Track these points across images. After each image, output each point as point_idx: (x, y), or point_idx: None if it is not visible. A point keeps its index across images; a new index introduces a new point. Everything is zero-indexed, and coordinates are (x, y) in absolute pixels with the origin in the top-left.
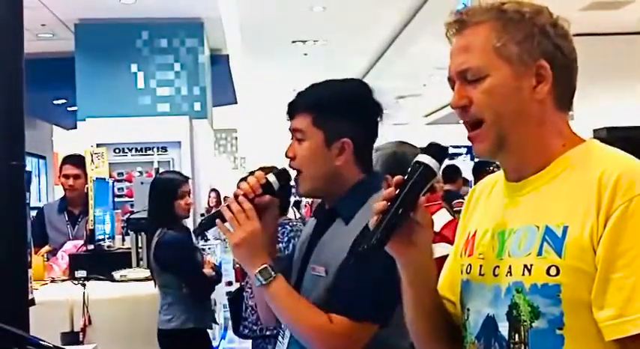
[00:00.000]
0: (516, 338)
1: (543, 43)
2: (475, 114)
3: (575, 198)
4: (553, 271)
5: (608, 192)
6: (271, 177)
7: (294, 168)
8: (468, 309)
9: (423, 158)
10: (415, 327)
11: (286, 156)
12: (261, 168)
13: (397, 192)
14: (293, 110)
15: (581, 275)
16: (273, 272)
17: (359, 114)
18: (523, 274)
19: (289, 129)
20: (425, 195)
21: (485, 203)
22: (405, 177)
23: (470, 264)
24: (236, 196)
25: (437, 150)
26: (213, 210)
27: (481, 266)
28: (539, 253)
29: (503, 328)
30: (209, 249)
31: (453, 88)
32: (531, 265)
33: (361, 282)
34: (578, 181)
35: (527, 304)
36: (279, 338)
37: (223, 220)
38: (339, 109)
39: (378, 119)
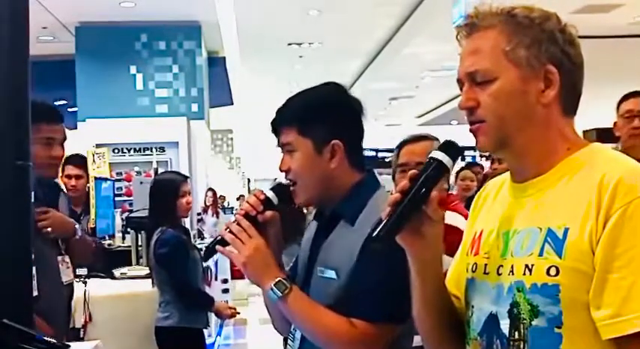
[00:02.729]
0: (516, 336)
1: (551, 48)
2: (481, 117)
3: (576, 200)
4: (553, 271)
5: (608, 195)
6: (269, 193)
7: (290, 181)
8: (472, 306)
9: (437, 154)
10: (422, 320)
11: (280, 170)
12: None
13: (410, 185)
14: (277, 127)
15: (580, 275)
16: (288, 284)
17: (341, 115)
18: (524, 274)
19: (277, 145)
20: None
21: (492, 202)
22: (419, 172)
23: (475, 263)
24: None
25: (451, 148)
26: (209, 209)
27: (486, 265)
28: (541, 254)
29: (505, 325)
30: (205, 250)
31: (461, 89)
32: (532, 265)
33: (377, 284)
34: (581, 184)
35: (527, 303)
36: (289, 341)
37: (224, 244)
38: (321, 114)
39: (362, 117)
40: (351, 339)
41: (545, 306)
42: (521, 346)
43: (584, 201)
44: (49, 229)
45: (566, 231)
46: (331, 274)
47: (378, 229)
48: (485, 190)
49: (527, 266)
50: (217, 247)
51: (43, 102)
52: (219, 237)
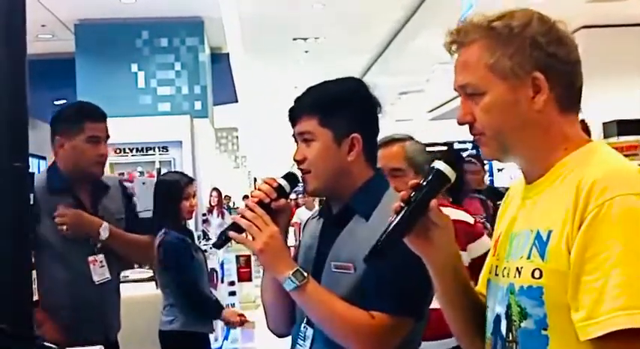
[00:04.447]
0: (510, 337)
1: (534, 54)
2: (479, 130)
3: (560, 202)
4: (537, 274)
5: (583, 197)
6: (282, 181)
7: (303, 170)
8: (488, 307)
9: (438, 164)
10: (449, 318)
11: (294, 159)
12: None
13: (411, 194)
14: (295, 115)
15: (560, 278)
16: (305, 274)
17: (362, 109)
18: (515, 276)
19: (293, 134)
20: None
21: (512, 204)
22: (420, 182)
23: (492, 265)
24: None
25: (452, 157)
26: (214, 209)
27: (496, 266)
28: (529, 256)
29: (504, 326)
30: (210, 248)
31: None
32: (521, 268)
33: (396, 278)
34: (566, 186)
35: (517, 305)
36: (299, 341)
37: (238, 231)
38: (343, 106)
39: (379, 114)
40: (368, 331)
41: (531, 308)
42: (514, 347)
43: (565, 203)
44: (64, 227)
45: (549, 233)
46: (347, 268)
47: (380, 239)
48: (510, 193)
49: (517, 268)
50: (230, 233)
51: (85, 102)
52: (233, 223)
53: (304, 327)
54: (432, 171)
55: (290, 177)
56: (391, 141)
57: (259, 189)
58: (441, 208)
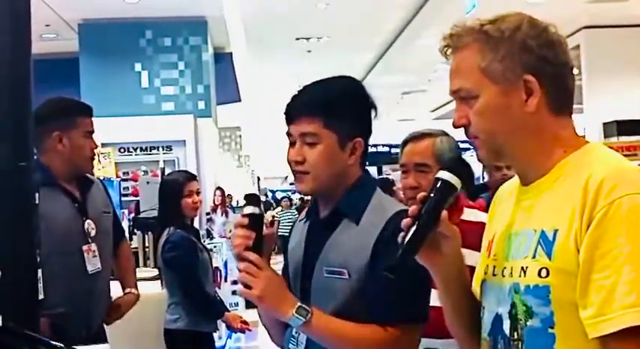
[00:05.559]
0: (515, 336)
1: (525, 58)
2: (474, 133)
3: (565, 202)
4: (543, 273)
5: (591, 196)
6: (249, 209)
7: (301, 171)
8: (484, 307)
9: (443, 175)
10: (453, 324)
11: (292, 160)
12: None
13: (420, 208)
14: (295, 114)
15: (568, 276)
16: (308, 308)
17: (364, 111)
18: (520, 275)
19: (288, 133)
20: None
21: (504, 206)
22: (427, 194)
23: (488, 265)
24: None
25: (457, 166)
26: (218, 208)
27: (494, 267)
28: (534, 256)
29: (507, 326)
30: (214, 247)
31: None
32: (526, 267)
33: (400, 284)
34: (570, 186)
35: (522, 304)
36: (291, 346)
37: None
38: (347, 108)
39: (373, 115)
40: (387, 344)
41: (537, 307)
42: (520, 346)
43: (572, 202)
44: None
45: (555, 232)
46: (340, 273)
47: (394, 255)
48: (500, 194)
49: (522, 268)
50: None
51: (68, 97)
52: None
53: (296, 332)
54: (437, 182)
55: (252, 199)
56: (422, 135)
57: (240, 236)
58: (466, 210)
